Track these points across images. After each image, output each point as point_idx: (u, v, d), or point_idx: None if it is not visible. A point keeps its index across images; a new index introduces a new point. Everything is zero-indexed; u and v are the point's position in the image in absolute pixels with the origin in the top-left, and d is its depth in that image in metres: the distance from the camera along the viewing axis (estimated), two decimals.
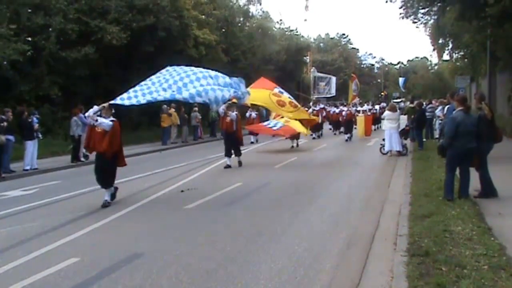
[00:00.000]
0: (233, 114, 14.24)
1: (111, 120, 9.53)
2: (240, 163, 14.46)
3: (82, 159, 16.78)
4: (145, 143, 22.76)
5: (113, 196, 9.58)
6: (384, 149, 16.62)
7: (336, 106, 30.65)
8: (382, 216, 7.67)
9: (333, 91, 45.39)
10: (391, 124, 15.94)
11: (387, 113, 16.87)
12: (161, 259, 5.92)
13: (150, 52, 25.36)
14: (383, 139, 17.06)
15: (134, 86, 9.85)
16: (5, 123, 13.55)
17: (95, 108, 9.45)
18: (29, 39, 20.14)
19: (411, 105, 18.86)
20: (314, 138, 24.86)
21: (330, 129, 29.49)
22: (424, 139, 18.08)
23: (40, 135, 15.57)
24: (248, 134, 23.50)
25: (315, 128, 25.60)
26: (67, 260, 5.88)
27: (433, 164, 12.02)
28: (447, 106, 13.67)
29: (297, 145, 20.37)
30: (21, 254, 6.24)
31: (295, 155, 17.09)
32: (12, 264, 5.84)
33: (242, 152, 14.93)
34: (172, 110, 23.21)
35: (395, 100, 66.15)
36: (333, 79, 46.44)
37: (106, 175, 9.51)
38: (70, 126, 16.71)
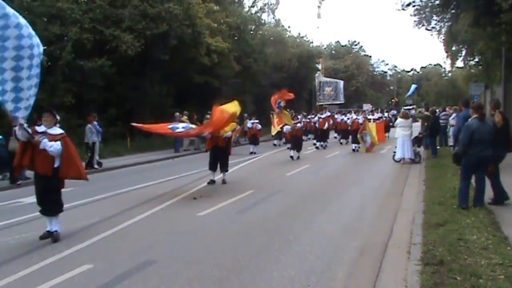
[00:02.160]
0: (230, 134, 13.08)
1: (59, 136, 7.39)
2: (224, 181, 12.94)
3: (96, 166, 16.93)
4: (157, 150, 22.87)
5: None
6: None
7: (344, 114, 28.92)
8: (396, 225, 7.62)
9: (341, 97, 42.99)
10: (404, 132, 15.85)
11: (399, 120, 16.80)
12: (174, 266, 5.93)
13: (162, 60, 25.54)
14: (396, 147, 16.98)
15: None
16: None
17: (19, 123, 7.06)
18: (45, 48, 20.38)
19: (426, 113, 18.75)
20: (317, 148, 23.65)
21: (335, 137, 28.37)
22: (438, 147, 17.95)
23: None
24: (248, 143, 23.21)
25: (321, 137, 24.41)
26: (81, 267, 5.91)
27: (447, 172, 11.92)
28: (455, 114, 13.57)
29: (298, 157, 18.74)
30: (35, 260, 6.29)
31: (307, 163, 17.04)
32: (26, 271, 5.88)
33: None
34: (185, 118, 23.32)
35: (406, 107, 65.79)
36: (341, 84, 43.80)
37: (52, 198, 7.44)
38: (85, 133, 16.82)
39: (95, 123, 16.79)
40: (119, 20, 23.05)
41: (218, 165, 12.97)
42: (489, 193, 8.34)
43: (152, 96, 25.97)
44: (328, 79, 44.58)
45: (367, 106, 48.62)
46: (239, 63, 33.65)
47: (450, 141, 18.91)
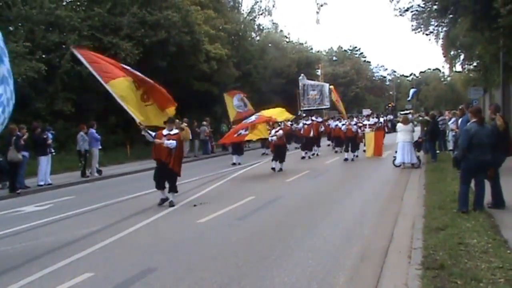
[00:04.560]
0: (173, 142, 10.51)
1: None
2: (172, 203, 10.60)
3: (96, 174, 16.93)
4: None
5: None
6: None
7: (339, 120, 25.34)
8: (396, 229, 7.60)
9: (326, 102, 39.76)
10: (404, 136, 15.85)
11: (399, 125, 16.83)
12: (174, 273, 5.92)
13: (162, 67, 25.60)
14: (396, 152, 16.98)
15: None
16: (22, 141, 13.72)
17: None
18: (44, 56, 20.45)
19: (426, 117, 18.75)
20: (303, 157, 21.36)
21: (329, 145, 26.26)
22: (438, 151, 17.97)
23: (53, 151, 15.68)
24: (231, 153, 20.81)
25: (306, 145, 22.09)
26: (81, 275, 5.91)
27: (447, 176, 11.92)
28: (460, 118, 13.56)
29: (281, 169, 16.84)
30: (35, 269, 6.28)
31: (307, 169, 17.03)
32: (27, 280, 5.88)
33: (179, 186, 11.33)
34: (185, 125, 23.33)
35: (402, 112, 65.50)
36: (326, 87, 40.64)
37: None
38: (77, 141, 16.77)
39: (93, 131, 16.77)
40: (118, 28, 23.15)
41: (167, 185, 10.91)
42: (489, 197, 8.35)
43: None
44: (312, 82, 40.42)
45: (366, 111, 48.18)
46: (238, 69, 33.73)
47: (450, 146, 18.97)
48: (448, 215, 7.67)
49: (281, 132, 17.32)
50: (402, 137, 15.88)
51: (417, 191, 10.96)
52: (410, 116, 31.64)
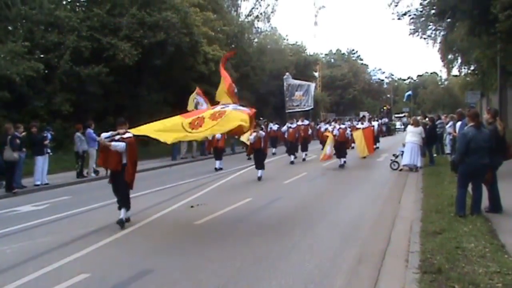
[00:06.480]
0: (121, 144, 8.80)
1: None
2: (127, 220, 9.00)
3: (93, 174, 16.88)
4: (155, 159, 22.84)
5: None
6: (394, 164, 16.54)
7: (329, 123, 24.09)
8: (393, 233, 7.60)
9: (310, 102, 36.08)
10: (413, 138, 15.77)
11: (409, 127, 16.85)
12: (171, 275, 5.90)
13: (160, 68, 25.60)
14: (393, 155, 16.99)
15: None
16: (18, 140, 13.68)
17: None
18: (42, 56, 20.42)
19: (424, 121, 18.74)
20: (292, 162, 20.24)
21: (322, 149, 24.47)
22: (435, 155, 17.99)
23: (49, 151, 15.61)
24: (214, 159, 18.89)
25: (291, 149, 21.02)
26: (78, 276, 5.89)
27: (444, 180, 11.95)
28: (459, 122, 13.57)
29: (259, 178, 15.08)
30: (32, 269, 6.26)
31: (304, 171, 17.04)
32: (23, 280, 5.85)
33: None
34: None
35: (397, 115, 65.40)
36: (312, 87, 38.00)
37: None
38: (74, 142, 16.66)
39: (90, 130, 16.71)
40: (117, 29, 23.13)
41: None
42: (486, 201, 8.36)
43: (149, 104, 25.98)
44: (298, 82, 37.23)
45: (363, 114, 48.11)
46: (236, 71, 33.69)
47: (447, 149, 19.02)
48: (446, 219, 7.69)
49: (261, 132, 15.85)
50: (411, 139, 15.79)
51: (414, 195, 10.98)
52: (405, 119, 31.31)
